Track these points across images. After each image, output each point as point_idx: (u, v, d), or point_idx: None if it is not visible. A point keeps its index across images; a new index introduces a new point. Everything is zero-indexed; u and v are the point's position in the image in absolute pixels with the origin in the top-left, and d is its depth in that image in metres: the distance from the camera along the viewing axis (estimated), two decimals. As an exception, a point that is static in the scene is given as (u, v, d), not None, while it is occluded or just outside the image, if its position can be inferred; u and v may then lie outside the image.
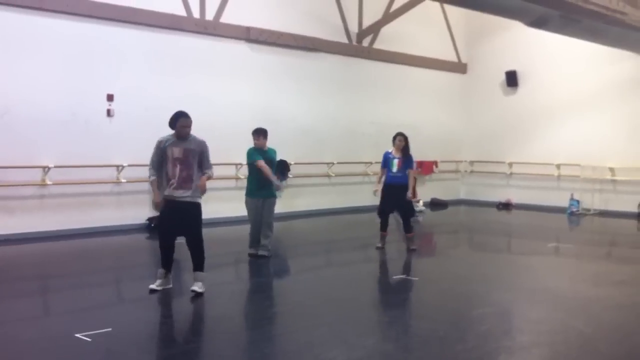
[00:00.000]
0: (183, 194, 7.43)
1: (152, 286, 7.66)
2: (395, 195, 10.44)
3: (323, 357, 5.51)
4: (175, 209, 7.45)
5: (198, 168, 7.54)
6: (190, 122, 7.56)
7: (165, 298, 7.94)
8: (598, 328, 6.45)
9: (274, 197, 9.90)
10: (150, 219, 12.76)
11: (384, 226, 10.79)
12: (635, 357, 5.66)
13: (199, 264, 7.64)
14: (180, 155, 7.42)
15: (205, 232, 12.61)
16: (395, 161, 10.50)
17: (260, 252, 9.82)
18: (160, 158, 7.50)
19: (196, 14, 13.38)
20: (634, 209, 16.08)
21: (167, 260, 7.73)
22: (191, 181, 7.45)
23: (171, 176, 7.43)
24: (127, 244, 11.53)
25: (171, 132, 7.56)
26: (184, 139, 7.48)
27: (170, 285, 7.78)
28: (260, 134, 9.87)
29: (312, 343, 5.93)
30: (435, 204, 18.23)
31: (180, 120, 7.48)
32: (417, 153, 17.80)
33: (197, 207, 7.60)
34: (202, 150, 7.55)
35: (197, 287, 7.47)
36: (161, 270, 7.74)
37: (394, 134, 17.81)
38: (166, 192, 7.46)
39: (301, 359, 5.55)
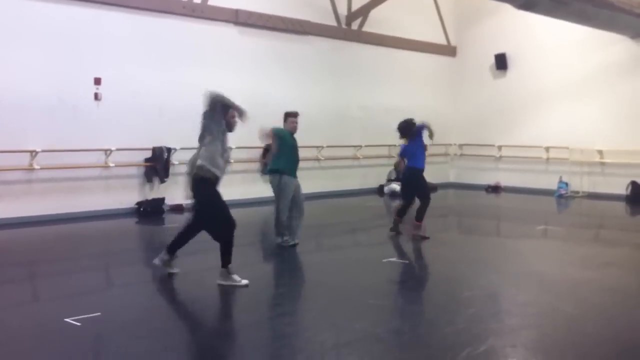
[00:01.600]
0: None
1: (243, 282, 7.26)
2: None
3: (313, 340, 5.54)
4: None
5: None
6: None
7: (155, 282, 7.95)
8: (585, 310, 6.50)
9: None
10: (139, 204, 12.71)
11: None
12: (621, 339, 5.71)
13: None
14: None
15: (188, 217, 12.65)
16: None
17: (296, 240, 9.48)
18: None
19: (184, -4, 13.29)
20: (622, 191, 16.17)
21: None
22: None
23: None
24: (116, 229, 11.50)
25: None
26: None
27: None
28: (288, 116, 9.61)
29: (302, 327, 5.95)
30: (425, 187, 18.23)
31: (231, 111, 7.30)
32: (407, 136, 17.96)
33: None
34: None
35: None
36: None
37: (383, 117, 17.86)
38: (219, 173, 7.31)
39: (291, 342, 5.57)
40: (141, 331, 5.77)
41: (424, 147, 10.45)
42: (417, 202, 10.51)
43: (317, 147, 15.87)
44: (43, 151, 11.44)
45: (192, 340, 5.57)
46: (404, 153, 10.49)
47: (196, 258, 9.29)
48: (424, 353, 5.31)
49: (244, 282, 7.15)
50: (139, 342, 5.50)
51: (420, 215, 10.34)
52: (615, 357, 5.27)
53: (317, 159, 15.95)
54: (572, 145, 16.88)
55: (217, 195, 7.27)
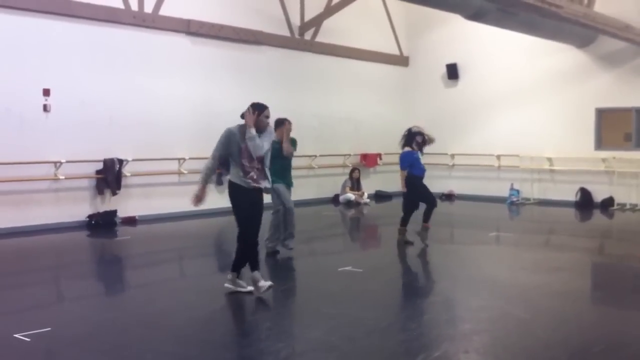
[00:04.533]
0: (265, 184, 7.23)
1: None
2: (425, 188, 10.56)
3: (267, 351, 5.51)
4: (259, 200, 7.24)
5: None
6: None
7: (106, 296, 7.84)
8: (536, 314, 6.60)
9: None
10: (90, 216, 12.49)
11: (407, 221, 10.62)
12: (571, 341, 5.82)
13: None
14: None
15: (151, 228, 12.57)
16: (420, 157, 10.57)
17: (292, 246, 9.66)
18: (231, 152, 7.11)
19: (134, 6, 13.11)
20: (572, 198, 16.51)
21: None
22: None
23: (250, 170, 7.05)
24: (66, 242, 11.27)
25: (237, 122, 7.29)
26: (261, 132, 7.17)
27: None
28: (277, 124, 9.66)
29: (257, 337, 5.91)
30: (380, 196, 18.37)
31: (266, 111, 7.28)
32: (361, 145, 18.12)
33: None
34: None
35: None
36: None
37: (337, 126, 17.91)
38: (246, 183, 7.05)
39: (245, 352, 5.52)
40: (92, 346, 5.66)
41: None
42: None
43: (272, 157, 15.81)
44: (-10, 164, 11.17)
45: (144, 351, 5.48)
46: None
47: (152, 271, 9.20)
48: (379, 360, 5.33)
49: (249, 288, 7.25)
50: (89, 356, 5.41)
51: (426, 217, 10.45)
52: None
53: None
54: (522, 152, 17.20)
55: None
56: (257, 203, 7.20)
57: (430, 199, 10.54)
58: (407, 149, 10.51)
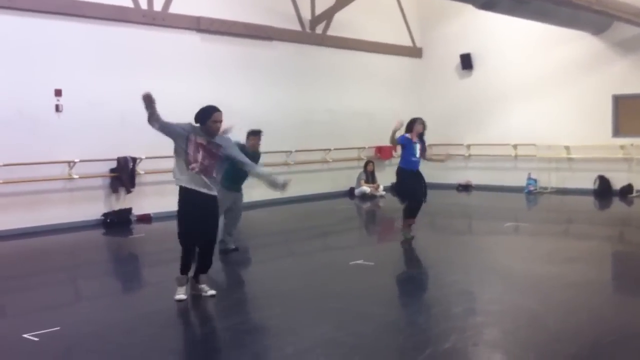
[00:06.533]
0: (206, 187, 6.76)
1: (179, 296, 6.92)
2: (419, 181, 10.28)
3: (274, 346, 5.49)
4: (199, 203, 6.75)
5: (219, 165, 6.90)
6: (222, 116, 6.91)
7: (119, 295, 7.86)
8: (548, 306, 6.50)
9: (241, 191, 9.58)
10: (105, 215, 12.56)
11: (414, 212, 10.25)
12: (581, 332, 5.73)
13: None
14: (204, 142, 6.79)
15: (166, 225, 12.58)
16: (417, 146, 10.26)
17: (233, 245, 9.47)
18: (175, 133, 6.84)
19: (144, 4, 13.12)
20: (590, 186, 16.32)
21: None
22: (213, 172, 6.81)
23: (192, 160, 6.70)
24: (81, 242, 11.33)
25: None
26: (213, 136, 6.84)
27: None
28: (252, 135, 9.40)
29: (263, 334, 5.89)
30: (395, 189, 18.27)
31: (214, 115, 6.92)
32: (375, 138, 18.01)
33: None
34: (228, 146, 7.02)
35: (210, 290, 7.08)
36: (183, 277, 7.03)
37: (350, 120, 17.84)
38: (186, 184, 6.73)
39: (250, 350, 5.50)
40: (99, 345, 5.67)
41: (420, 146, 10.30)
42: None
43: (286, 152, 15.80)
44: (4, 165, 11.22)
45: (152, 350, 5.48)
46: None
47: (166, 269, 9.21)
48: (386, 355, 5.27)
49: (211, 292, 7.04)
50: (96, 356, 5.41)
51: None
52: (575, 352, 5.26)
53: (287, 164, 15.84)
54: (539, 141, 17.02)
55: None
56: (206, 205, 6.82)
57: (415, 196, 10.15)
58: (406, 134, 10.26)
